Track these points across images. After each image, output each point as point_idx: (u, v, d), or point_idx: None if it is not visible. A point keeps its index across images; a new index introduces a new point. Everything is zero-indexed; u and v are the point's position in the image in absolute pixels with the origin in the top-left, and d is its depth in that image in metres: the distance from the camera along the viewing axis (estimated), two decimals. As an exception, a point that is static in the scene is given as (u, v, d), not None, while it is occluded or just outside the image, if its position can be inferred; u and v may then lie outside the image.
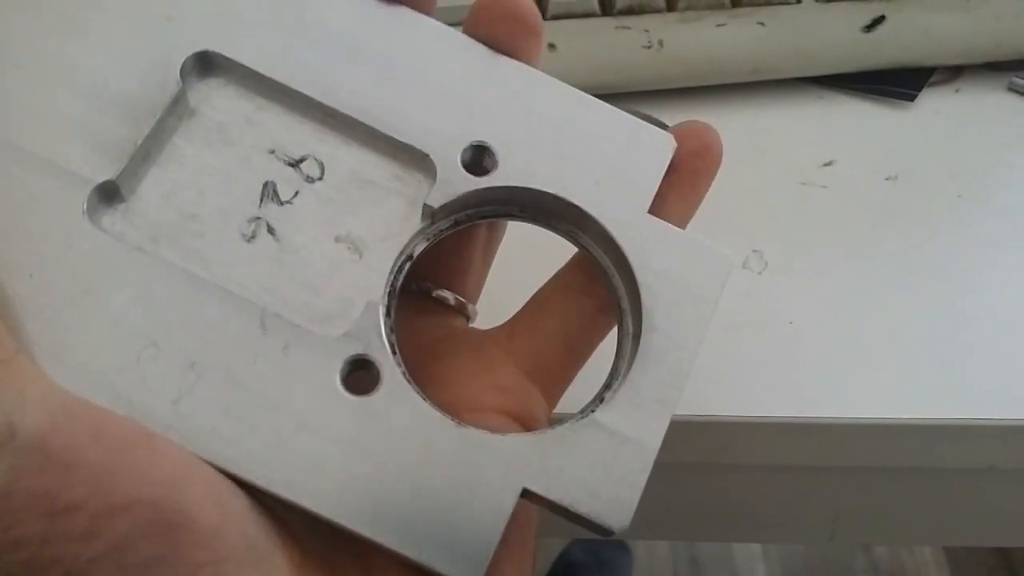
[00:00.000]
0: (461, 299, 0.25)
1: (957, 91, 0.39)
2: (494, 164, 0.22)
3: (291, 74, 0.21)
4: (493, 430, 0.20)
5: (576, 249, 0.23)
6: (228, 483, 0.18)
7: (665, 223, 0.22)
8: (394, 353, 0.20)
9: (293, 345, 0.19)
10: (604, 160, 0.22)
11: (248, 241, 0.20)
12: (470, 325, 0.26)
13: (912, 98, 0.39)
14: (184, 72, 0.21)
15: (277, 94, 0.21)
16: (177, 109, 0.21)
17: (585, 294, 0.23)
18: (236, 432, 0.18)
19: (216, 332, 0.19)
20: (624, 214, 0.22)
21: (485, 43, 0.22)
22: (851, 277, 0.32)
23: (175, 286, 0.19)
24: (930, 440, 0.30)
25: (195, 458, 0.18)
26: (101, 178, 0.19)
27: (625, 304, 0.22)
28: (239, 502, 0.18)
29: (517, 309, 0.24)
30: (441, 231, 0.22)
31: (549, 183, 0.22)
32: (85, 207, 0.19)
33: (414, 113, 0.21)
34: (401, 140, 0.21)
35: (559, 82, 0.23)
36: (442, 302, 0.25)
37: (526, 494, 0.19)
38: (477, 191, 0.21)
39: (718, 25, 0.38)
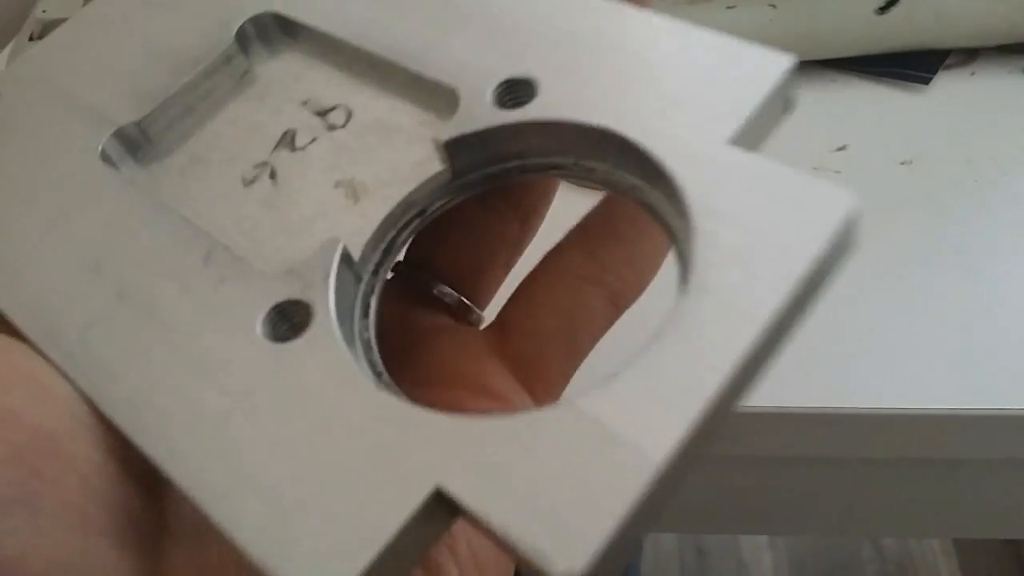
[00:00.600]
0: (465, 301, 0.22)
1: (972, 74, 0.39)
2: (531, 96, 0.18)
3: (342, 26, 0.20)
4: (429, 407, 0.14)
5: (577, 221, 0.20)
6: (102, 470, 0.15)
7: (755, 155, 0.16)
8: (364, 316, 0.17)
9: (229, 280, 0.17)
10: (680, 85, 0.17)
11: (246, 185, 0.19)
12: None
13: (927, 81, 0.38)
14: (244, 34, 0.21)
15: (328, 50, 0.21)
16: (230, 69, 0.21)
17: (587, 279, 0.20)
18: (128, 368, 0.16)
19: (157, 261, 0.17)
20: (692, 143, 0.16)
21: None
22: (865, 264, 0.32)
23: (144, 216, 0.18)
24: (946, 431, 0.29)
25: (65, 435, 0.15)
26: (126, 120, 0.20)
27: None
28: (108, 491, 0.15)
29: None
30: (468, 184, 0.18)
31: (593, 115, 0.17)
32: (102, 144, 0.20)
33: (454, 52, 0.19)
34: (428, 76, 0.19)
35: (659, 16, 0.18)
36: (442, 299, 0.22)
37: (441, 499, 0.13)
38: (503, 127, 0.17)
39: (728, 7, 0.38)
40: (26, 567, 0.14)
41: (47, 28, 0.43)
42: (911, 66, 0.39)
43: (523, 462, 0.13)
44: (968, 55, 0.39)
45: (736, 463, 0.32)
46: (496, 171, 0.18)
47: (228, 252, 0.17)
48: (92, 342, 0.17)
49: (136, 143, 0.20)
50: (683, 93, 0.17)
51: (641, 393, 0.13)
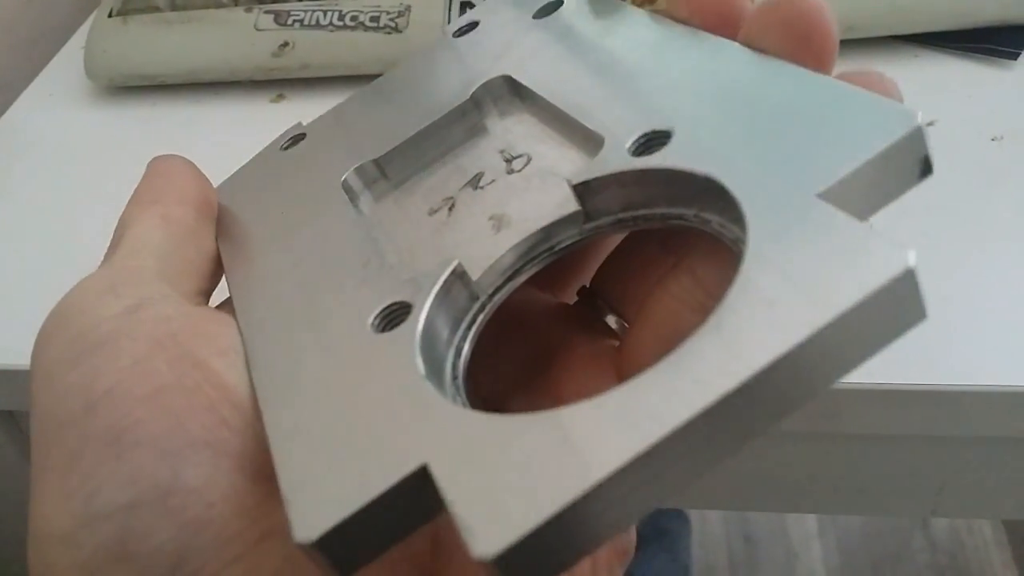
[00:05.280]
0: (627, 326, 0.23)
1: (1061, 49, 0.38)
2: (662, 146, 0.18)
3: (541, 82, 0.23)
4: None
5: (687, 243, 0.20)
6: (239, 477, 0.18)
7: (827, 204, 0.15)
8: (469, 327, 0.19)
9: (369, 281, 0.20)
10: (789, 137, 0.17)
11: (430, 215, 0.22)
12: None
13: (1015, 56, 0.37)
14: (480, 93, 0.24)
15: (537, 108, 0.23)
16: (464, 122, 0.24)
17: (689, 306, 0.19)
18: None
19: (336, 261, 0.21)
20: (779, 194, 0.16)
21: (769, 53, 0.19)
22: (957, 240, 0.31)
23: (346, 229, 0.22)
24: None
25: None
26: (370, 157, 0.24)
27: None
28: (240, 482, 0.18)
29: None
30: (600, 226, 0.19)
31: (705, 164, 0.17)
32: (346, 175, 0.23)
33: (615, 105, 0.20)
34: (589, 127, 0.20)
35: (822, 77, 0.18)
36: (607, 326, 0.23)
37: (426, 477, 0.15)
38: (624, 173, 0.18)
39: (811, -19, 0.37)
40: (203, 496, 0.17)
41: (126, 5, 0.43)
42: (997, 41, 0.38)
43: (496, 456, 0.14)
44: (1056, 30, 0.38)
45: (829, 440, 0.32)
46: (625, 217, 0.19)
47: (382, 260, 0.20)
48: (271, 320, 0.20)
49: (373, 177, 0.24)
50: (787, 143, 0.17)
51: (617, 411, 0.14)
